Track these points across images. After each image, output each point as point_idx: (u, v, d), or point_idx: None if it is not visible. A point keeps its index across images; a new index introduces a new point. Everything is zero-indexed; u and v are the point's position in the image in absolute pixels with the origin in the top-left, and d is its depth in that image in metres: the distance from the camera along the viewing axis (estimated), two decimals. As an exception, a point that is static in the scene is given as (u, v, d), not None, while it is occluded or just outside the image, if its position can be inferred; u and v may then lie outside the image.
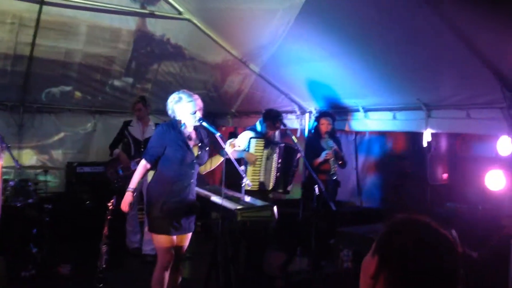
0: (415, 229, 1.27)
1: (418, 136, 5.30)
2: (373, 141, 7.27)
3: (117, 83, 6.83)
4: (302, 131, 6.40)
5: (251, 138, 4.97)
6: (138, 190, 5.61)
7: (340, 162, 5.40)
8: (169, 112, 3.82)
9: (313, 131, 5.69)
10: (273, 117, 5.05)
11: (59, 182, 6.78)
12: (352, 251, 4.86)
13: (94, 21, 5.54)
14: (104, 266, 3.80)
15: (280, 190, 5.14)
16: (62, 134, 7.10)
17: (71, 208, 6.10)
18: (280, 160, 5.04)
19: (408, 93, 4.83)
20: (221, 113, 7.67)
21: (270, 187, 5.08)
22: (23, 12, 5.23)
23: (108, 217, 3.77)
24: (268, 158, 5.02)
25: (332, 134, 5.43)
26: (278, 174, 5.05)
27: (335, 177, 5.25)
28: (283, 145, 5.10)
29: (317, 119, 5.50)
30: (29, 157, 6.80)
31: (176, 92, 3.81)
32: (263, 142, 5.00)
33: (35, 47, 5.75)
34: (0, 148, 3.20)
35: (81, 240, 5.58)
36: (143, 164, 3.76)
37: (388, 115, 5.24)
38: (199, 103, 3.77)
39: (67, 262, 5.04)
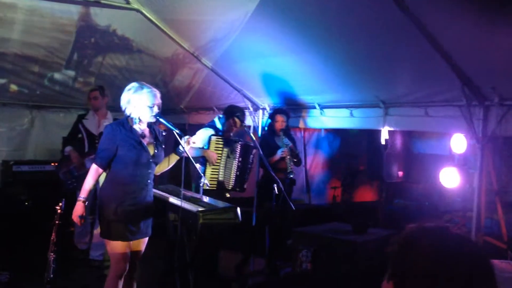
0: (429, 239, 1.13)
1: (374, 133, 5.31)
2: (323, 138, 7.29)
3: (57, 76, 6.39)
4: (255, 128, 6.26)
5: (211, 135, 4.77)
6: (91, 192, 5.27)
7: (295, 160, 5.30)
8: (123, 102, 3.48)
9: (267, 128, 5.56)
10: (236, 115, 4.88)
11: (-7, 182, 6.28)
12: (312, 252, 4.78)
13: (33, 9, 5.07)
14: (51, 276, 3.47)
15: (238, 189, 4.99)
16: (-4, 130, 6.59)
17: (8, 209, 5.63)
18: (240, 159, 4.88)
19: (366, 90, 4.81)
20: (169, 109, 7.38)
21: (230, 186, 4.91)
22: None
23: (56, 222, 3.43)
24: (229, 156, 4.85)
25: (286, 132, 5.33)
26: (238, 173, 4.89)
27: (292, 176, 5.15)
28: (243, 143, 4.95)
29: (272, 116, 5.37)
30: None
31: (136, 82, 3.52)
32: (223, 140, 4.82)
33: (-34, 36, 5.26)
34: None
35: (20, 244, 5.15)
36: (94, 169, 3.44)
37: (345, 112, 5.20)
38: (159, 98, 3.51)
39: (5, 269, 4.63)
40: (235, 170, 4.89)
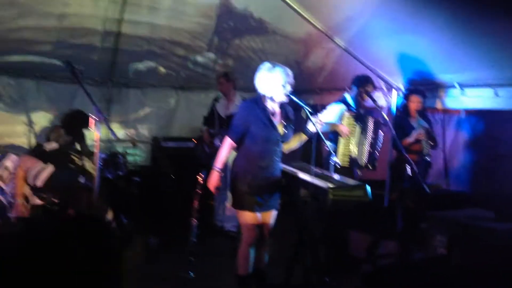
0: None
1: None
2: (464, 120, 6.82)
3: (199, 58, 6.85)
4: (389, 109, 6.09)
5: (343, 110, 4.74)
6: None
7: (432, 143, 5.07)
8: (257, 81, 3.67)
9: (401, 109, 5.38)
10: (364, 81, 4.80)
11: (144, 156, 6.97)
12: (448, 238, 4.57)
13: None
14: (194, 240, 3.82)
15: (370, 166, 4.91)
16: (147, 109, 7.29)
17: (157, 181, 6.25)
18: (373, 135, 4.80)
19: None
20: (302, 89, 7.48)
21: (363, 163, 4.86)
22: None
23: (198, 191, 3.75)
24: (362, 132, 4.78)
25: (422, 113, 5.11)
26: (370, 149, 4.82)
27: (428, 158, 4.94)
28: (375, 119, 4.85)
29: (407, 96, 5.18)
30: (116, 132, 7.03)
31: (265, 63, 3.67)
32: (356, 114, 4.76)
33: (123, 23, 5.87)
34: (98, 120, 3.24)
35: (166, 213, 5.70)
36: (228, 142, 3.67)
37: (489, 91, 4.83)
38: (291, 77, 3.63)
39: (154, 234, 5.16)
40: (367, 146, 4.81)
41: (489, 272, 4.23)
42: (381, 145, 5.00)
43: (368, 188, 3.50)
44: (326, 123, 4.40)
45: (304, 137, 3.91)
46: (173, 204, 5.75)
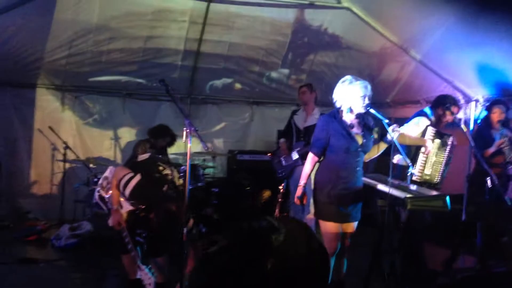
0: None
1: None
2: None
3: (273, 74, 7.09)
4: (467, 121, 5.98)
5: (428, 125, 4.69)
6: (297, 178, 5.73)
7: (516, 154, 4.94)
8: (336, 94, 3.78)
9: (482, 120, 5.27)
10: (446, 106, 4.71)
11: (221, 168, 7.26)
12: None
13: (255, 15, 5.78)
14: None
15: (439, 186, 4.82)
16: (223, 124, 7.61)
17: (234, 192, 6.48)
18: (449, 154, 4.71)
19: None
20: (375, 102, 7.47)
21: (436, 181, 4.79)
22: (192, 10, 5.66)
23: (279, 200, 3.91)
24: (439, 149, 4.72)
25: (505, 124, 4.99)
26: (444, 168, 4.74)
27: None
28: (453, 137, 4.77)
29: (489, 107, 5.09)
30: (195, 145, 7.37)
31: (346, 77, 3.80)
32: (437, 131, 4.71)
33: (202, 42, 6.22)
34: (189, 132, 3.49)
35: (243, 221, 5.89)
36: (311, 157, 3.81)
37: None
38: (370, 89, 3.73)
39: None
40: (443, 164, 4.73)
41: None
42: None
43: (448, 199, 3.50)
44: (409, 136, 4.38)
45: (383, 146, 3.97)
46: (248, 214, 5.94)
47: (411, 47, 5.67)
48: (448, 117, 4.78)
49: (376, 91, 6.93)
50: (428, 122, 4.72)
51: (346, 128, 3.76)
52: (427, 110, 4.91)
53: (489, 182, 4.39)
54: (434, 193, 3.66)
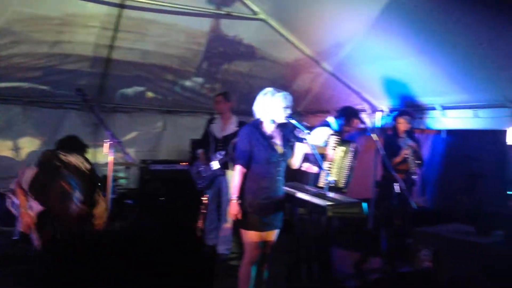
0: None
1: (499, 134, 5.16)
2: (442, 140, 7.13)
3: (187, 83, 7.00)
4: (373, 130, 6.33)
5: (330, 134, 4.94)
6: (216, 187, 5.71)
7: (419, 161, 5.33)
8: (257, 105, 3.82)
9: (390, 130, 5.65)
10: (352, 115, 5.03)
11: (133, 179, 7.01)
12: (433, 251, 4.78)
13: (171, 23, 5.67)
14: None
15: (344, 190, 5.08)
16: (134, 133, 7.36)
17: (148, 203, 6.31)
18: (352, 159, 5.01)
19: (492, 90, 4.72)
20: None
21: (341, 185, 5.04)
22: (104, 16, 5.42)
23: (203, 211, 3.85)
24: (343, 156, 4.99)
25: (410, 133, 5.38)
26: (348, 173, 5.02)
27: (414, 177, 5.19)
28: (356, 144, 5.07)
29: (395, 118, 5.46)
30: (104, 155, 7.08)
31: (267, 89, 3.85)
32: (340, 139, 4.98)
33: (113, 49, 5.99)
34: (112, 144, 3.34)
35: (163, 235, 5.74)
36: (239, 170, 3.76)
37: (469, 112, 5.13)
38: (290, 99, 3.81)
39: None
40: (347, 169, 5.01)
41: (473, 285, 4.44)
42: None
43: (365, 205, 3.67)
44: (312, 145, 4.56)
45: (304, 148, 4.02)
46: (165, 225, 5.81)
47: (323, 59, 5.91)
48: (351, 127, 5.07)
49: (290, 101, 7.22)
50: (331, 132, 4.97)
51: (267, 139, 3.81)
52: (330, 119, 5.16)
53: (396, 187, 4.69)
54: (350, 200, 3.82)
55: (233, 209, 3.75)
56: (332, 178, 4.00)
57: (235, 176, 3.80)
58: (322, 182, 4.85)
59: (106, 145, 3.36)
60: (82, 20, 5.41)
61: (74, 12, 5.26)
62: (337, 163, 4.96)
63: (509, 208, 5.41)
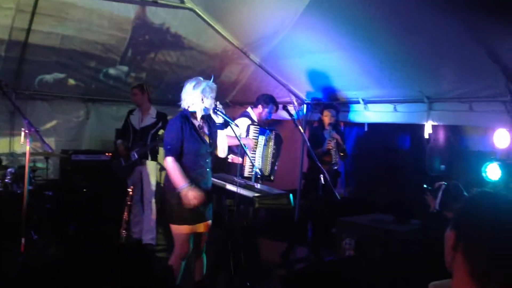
0: (491, 202, 1.34)
1: (417, 128, 5.44)
2: (364, 133, 7.42)
3: (111, 71, 6.75)
4: (300, 122, 6.47)
5: (249, 125, 5.01)
6: (138, 180, 5.59)
7: (342, 153, 5.51)
8: (184, 96, 3.74)
9: (317, 122, 5.80)
10: (268, 101, 5.13)
11: (53, 169, 6.67)
12: (355, 240, 4.97)
13: (93, 8, 5.43)
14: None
15: (271, 177, 5.17)
16: (54, 122, 7.00)
17: (70, 195, 6.03)
18: (275, 147, 5.12)
19: (411, 86, 4.96)
20: (214, 103, 7.67)
21: (267, 173, 5.12)
22: (21, -3, 5.10)
23: (128, 203, 3.74)
24: (265, 144, 5.06)
25: (335, 126, 5.54)
26: (272, 160, 5.11)
27: (336, 167, 5.36)
28: (276, 132, 5.18)
29: (321, 111, 5.60)
30: (21, 145, 6.67)
31: (194, 78, 3.79)
32: (259, 129, 5.05)
33: (31, 33, 5.64)
34: (29, 133, 3.15)
35: (84, 227, 5.55)
36: (172, 161, 3.60)
37: (389, 107, 5.36)
38: (215, 88, 3.78)
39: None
40: (270, 157, 5.11)
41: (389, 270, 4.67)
42: (279, 156, 5.28)
43: (291, 196, 3.74)
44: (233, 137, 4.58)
45: (223, 133, 3.96)
46: (87, 217, 5.61)
47: (251, 51, 5.92)
48: (267, 113, 5.16)
49: (216, 92, 7.19)
50: (249, 122, 5.04)
51: (197, 131, 3.75)
52: (249, 110, 5.23)
53: (322, 179, 4.82)
54: (277, 191, 3.88)
55: (191, 195, 3.55)
56: (257, 167, 4.00)
57: (171, 167, 3.61)
58: (247, 172, 4.92)
59: (23, 134, 3.12)
60: (-3, 1, 5.05)
61: (-13, -7, 4.90)
62: (259, 152, 5.03)
63: (424, 200, 5.75)
